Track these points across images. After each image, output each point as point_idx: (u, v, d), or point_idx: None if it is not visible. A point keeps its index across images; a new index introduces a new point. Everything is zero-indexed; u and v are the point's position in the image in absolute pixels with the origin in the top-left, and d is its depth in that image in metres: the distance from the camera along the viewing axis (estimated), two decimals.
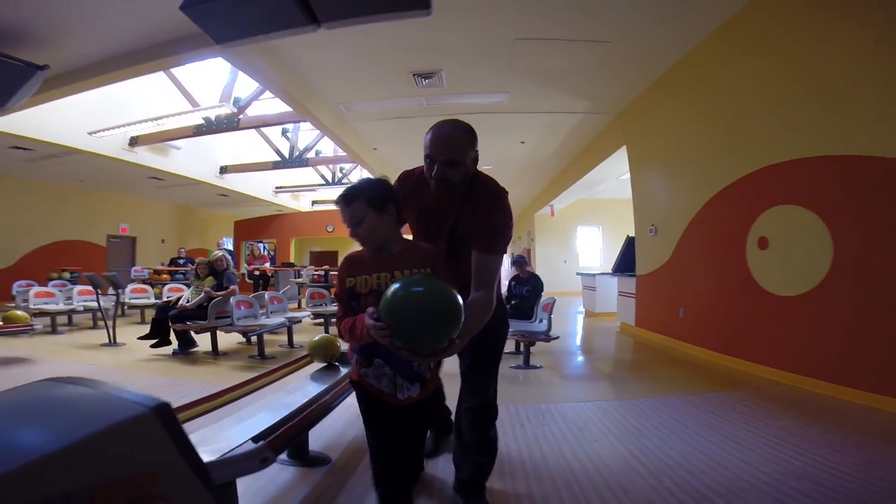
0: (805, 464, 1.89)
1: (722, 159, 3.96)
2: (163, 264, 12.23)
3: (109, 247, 13.00)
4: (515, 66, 4.96)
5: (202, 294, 4.73)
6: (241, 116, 6.47)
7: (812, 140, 3.01)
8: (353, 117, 6.43)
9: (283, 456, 2.00)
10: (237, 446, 1.21)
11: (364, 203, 1.27)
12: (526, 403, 2.86)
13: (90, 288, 7.27)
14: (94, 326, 6.79)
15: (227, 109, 5.89)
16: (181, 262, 10.89)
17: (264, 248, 14.56)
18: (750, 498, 1.63)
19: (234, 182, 10.99)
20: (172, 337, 4.76)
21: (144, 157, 8.10)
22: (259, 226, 16.45)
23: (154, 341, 4.76)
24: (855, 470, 1.82)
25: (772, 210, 3.32)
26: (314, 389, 1.90)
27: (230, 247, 12.09)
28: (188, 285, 9.32)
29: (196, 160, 9.36)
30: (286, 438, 1.38)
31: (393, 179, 1.47)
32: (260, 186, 12.36)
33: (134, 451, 0.85)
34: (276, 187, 12.92)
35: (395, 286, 1.13)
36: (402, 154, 7.78)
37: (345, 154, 8.24)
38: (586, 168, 7.81)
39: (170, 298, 5.05)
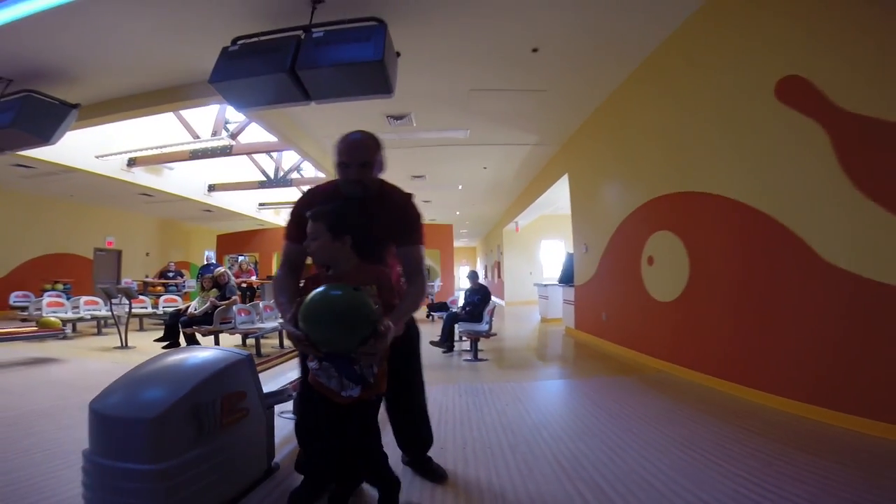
0: (641, 425, 2.73)
1: (629, 191, 5.01)
2: (147, 276, 12.78)
3: (96, 259, 13.38)
4: (471, 109, 5.91)
5: (208, 303, 5.54)
6: (233, 144, 7.29)
7: (672, 181, 4.08)
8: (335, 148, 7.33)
9: (289, 413, 2.88)
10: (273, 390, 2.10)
11: (325, 226, 1.48)
12: (466, 384, 3.81)
13: (94, 298, 7.97)
14: (98, 333, 7.41)
15: (224, 142, 6.71)
16: (170, 274, 11.51)
17: (245, 261, 15.22)
18: (591, 441, 2.45)
19: (220, 199, 11.68)
20: (182, 340, 5.55)
21: (140, 176, 8.78)
22: (242, 240, 17.05)
23: (166, 343, 5.55)
24: (679, 437, 2.57)
25: (655, 234, 4.37)
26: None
27: (213, 260, 12.72)
28: (181, 296, 10.02)
29: (187, 179, 10.05)
30: (298, 387, 2.27)
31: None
32: (244, 202, 13.05)
33: (237, 379, 1.74)
34: (260, 204, 13.62)
35: (308, 297, 1.35)
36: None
37: (325, 176, 9.11)
38: (540, 190, 8.89)
39: (179, 307, 5.81)
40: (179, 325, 5.55)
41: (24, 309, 8.82)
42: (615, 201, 5.38)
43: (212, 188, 10.79)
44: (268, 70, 3.10)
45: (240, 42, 3.31)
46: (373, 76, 3.29)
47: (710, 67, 3.61)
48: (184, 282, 11.37)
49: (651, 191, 4.49)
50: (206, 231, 17.51)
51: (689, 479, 1.96)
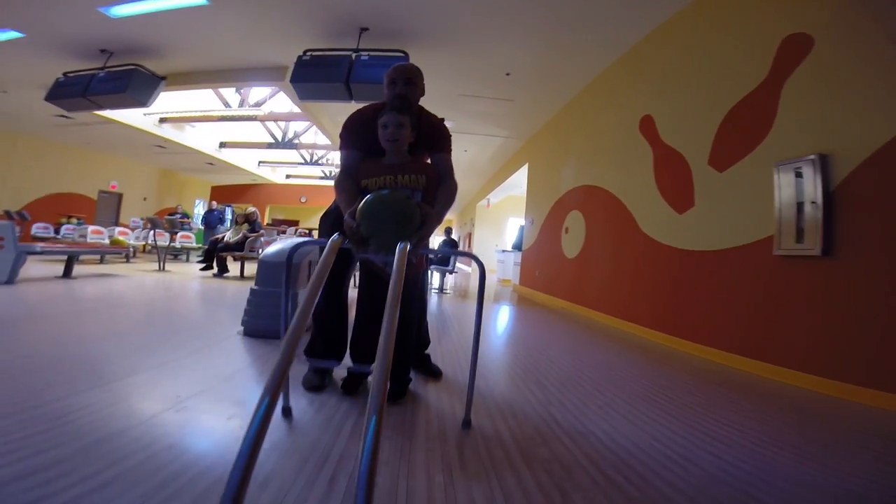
0: (542, 330, 4.75)
1: (561, 181, 6.92)
2: (142, 218, 14.03)
3: (99, 200, 14.56)
4: (459, 108, 7.65)
5: (240, 234, 7.20)
6: (258, 113, 8.82)
7: (583, 176, 6.03)
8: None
9: None
10: None
11: (409, 118, 1.77)
12: (434, 303, 5.73)
13: (125, 230, 9.43)
14: (127, 261, 8.89)
15: (252, 111, 8.25)
16: (178, 216, 12.88)
17: (232, 211, 16.58)
18: (510, 337, 4.45)
19: (227, 154, 13.06)
20: (214, 263, 7.19)
21: (168, 131, 10.15)
22: (236, 192, 18.38)
23: (204, 266, 7.20)
24: (576, 351, 4.68)
25: (571, 212, 6.33)
26: None
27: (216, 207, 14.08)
28: (192, 234, 11.52)
29: (203, 135, 11.43)
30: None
31: None
32: (246, 159, 14.42)
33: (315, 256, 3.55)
34: (260, 161, 15.01)
35: (368, 196, 1.50)
36: None
37: (321, 144, 10.77)
38: (508, 174, 10.79)
39: (218, 237, 7.44)
40: (215, 251, 7.18)
41: (43, 240, 10.14)
42: (553, 187, 7.32)
43: (223, 145, 12.16)
44: (330, 79, 4.81)
45: (309, 53, 5.00)
46: None
47: (608, 105, 5.52)
48: (190, 223, 12.77)
49: (573, 182, 6.44)
50: (200, 182, 18.72)
51: (559, 352, 3.90)
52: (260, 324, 3.07)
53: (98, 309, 3.64)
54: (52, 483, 1.12)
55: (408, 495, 1.23)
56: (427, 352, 2.49)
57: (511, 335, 4.06)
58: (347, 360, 2.16)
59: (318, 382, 2.06)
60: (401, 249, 1.24)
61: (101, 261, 8.13)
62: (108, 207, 15.05)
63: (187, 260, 10.52)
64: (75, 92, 5.70)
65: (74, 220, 11.94)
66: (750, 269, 3.15)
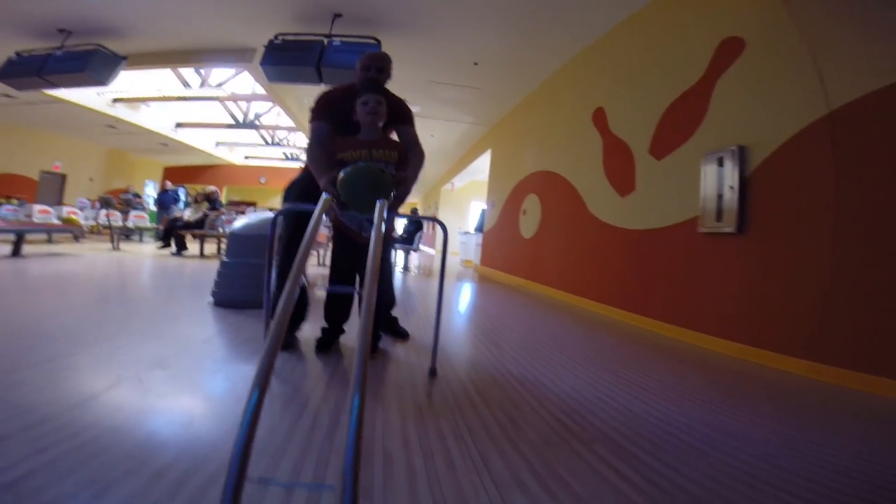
0: (499, 301, 5.10)
1: (520, 167, 7.25)
2: (89, 199, 13.34)
3: (41, 181, 13.67)
4: (428, 94, 7.72)
5: (200, 213, 7.13)
6: (220, 94, 8.61)
7: (541, 162, 6.37)
8: (309, 105, 8.90)
9: None
10: None
11: (384, 101, 2.01)
12: (398, 280, 5.95)
13: (74, 209, 9.03)
14: (77, 241, 8.51)
15: (214, 92, 8.05)
16: (130, 196, 12.36)
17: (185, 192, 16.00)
18: (472, 310, 4.76)
19: (183, 135, 12.59)
20: (172, 242, 7.07)
21: (120, 111, 9.69)
22: (191, 173, 17.68)
23: (163, 244, 7.10)
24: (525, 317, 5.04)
25: (528, 195, 6.68)
26: None
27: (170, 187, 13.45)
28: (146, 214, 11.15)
29: (159, 115, 10.95)
30: None
31: None
32: (202, 139, 13.92)
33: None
34: (218, 142, 14.53)
35: (350, 168, 1.65)
36: None
37: (283, 125, 10.62)
38: (472, 159, 11.05)
39: (177, 215, 7.31)
40: (174, 229, 7.07)
41: None
42: (513, 172, 7.64)
43: (179, 125, 11.71)
44: (301, 63, 4.84)
45: (281, 37, 5.00)
46: None
47: (566, 96, 5.86)
48: (142, 202, 12.32)
49: (531, 168, 6.78)
50: (152, 163, 17.85)
51: (515, 321, 4.23)
52: (229, 294, 3.20)
53: (61, 286, 3.67)
54: (73, 424, 1.29)
55: (384, 427, 1.45)
56: (395, 315, 2.74)
57: (472, 308, 4.37)
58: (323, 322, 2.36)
59: (290, 341, 2.25)
60: (380, 205, 1.41)
61: (49, 241, 7.80)
62: (51, 188, 14.15)
63: (141, 240, 10.20)
64: (29, 71, 5.45)
65: (15, 201, 11.23)
66: (679, 246, 3.57)
